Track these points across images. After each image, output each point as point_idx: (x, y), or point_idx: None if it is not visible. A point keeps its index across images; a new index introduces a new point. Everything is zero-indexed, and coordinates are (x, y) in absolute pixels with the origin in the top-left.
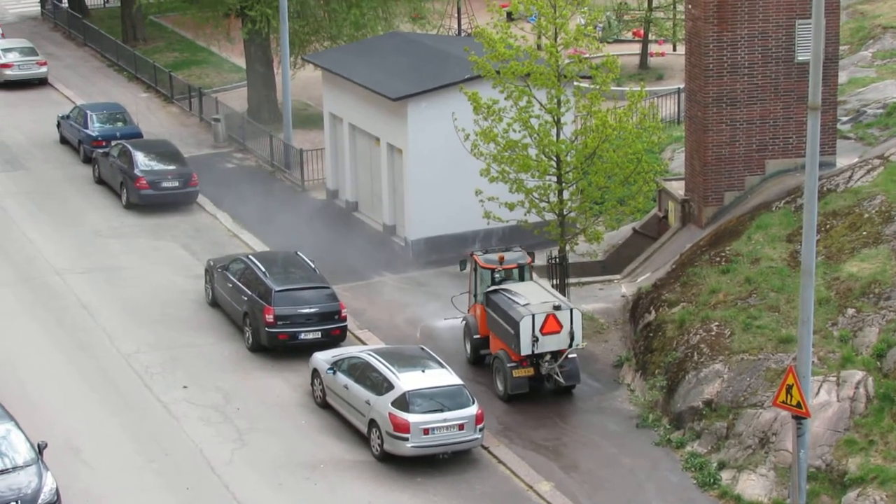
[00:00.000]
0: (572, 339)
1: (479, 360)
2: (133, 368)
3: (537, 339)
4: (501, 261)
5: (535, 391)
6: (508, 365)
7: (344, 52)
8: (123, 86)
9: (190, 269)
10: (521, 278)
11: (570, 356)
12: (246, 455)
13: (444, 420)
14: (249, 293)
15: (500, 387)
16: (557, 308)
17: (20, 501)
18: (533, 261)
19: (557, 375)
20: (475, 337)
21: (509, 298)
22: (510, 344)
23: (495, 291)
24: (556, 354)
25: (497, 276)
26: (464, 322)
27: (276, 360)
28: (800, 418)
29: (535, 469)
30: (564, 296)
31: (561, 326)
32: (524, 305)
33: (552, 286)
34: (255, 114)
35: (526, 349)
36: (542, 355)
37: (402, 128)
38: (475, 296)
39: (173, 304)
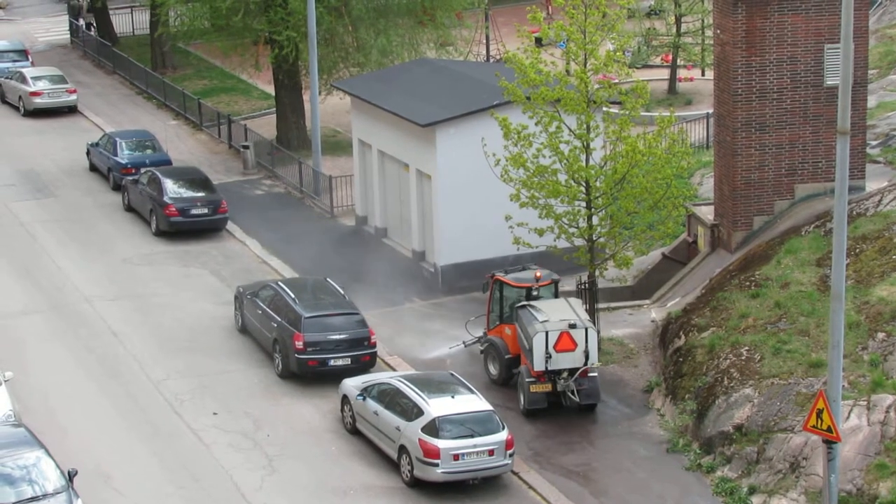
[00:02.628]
0: (587, 357)
1: (508, 380)
2: (163, 395)
3: (550, 356)
4: (538, 278)
5: (559, 412)
6: (527, 380)
7: (372, 78)
8: (152, 113)
9: (219, 296)
10: (556, 294)
11: (590, 374)
12: (276, 482)
13: (475, 446)
14: (279, 320)
15: (522, 401)
16: (572, 326)
17: None
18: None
19: (573, 394)
20: (507, 357)
21: (531, 314)
22: (528, 359)
23: (522, 307)
24: (573, 372)
25: (535, 293)
26: (485, 344)
27: (305, 386)
28: (830, 443)
29: (565, 494)
30: (594, 321)
31: (575, 345)
32: (541, 322)
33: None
34: (283, 141)
35: (539, 365)
36: (559, 372)
37: (431, 154)
38: (499, 317)
39: (203, 331)
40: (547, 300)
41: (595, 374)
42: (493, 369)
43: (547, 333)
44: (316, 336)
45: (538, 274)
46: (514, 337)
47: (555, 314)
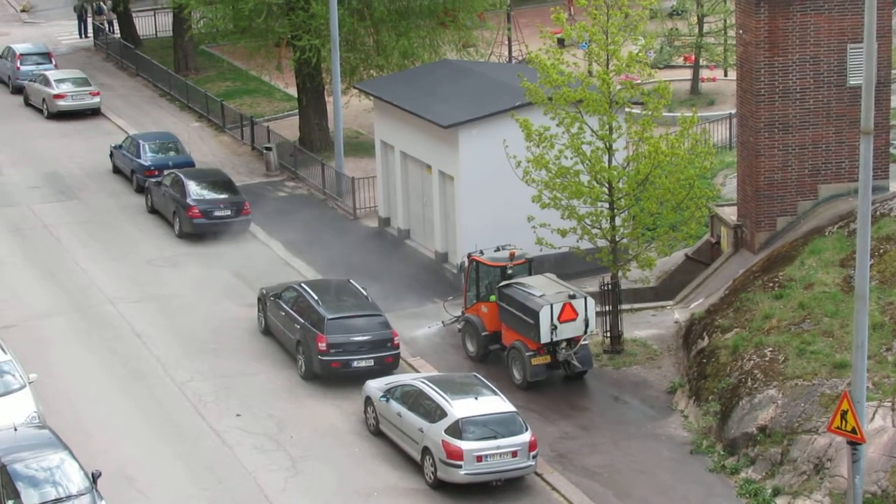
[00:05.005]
0: (587, 325)
1: (485, 357)
2: (186, 397)
3: (555, 328)
4: (513, 257)
5: (580, 412)
6: (527, 354)
7: (394, 80)
8: (175, 115)
9: (242, 298)
10: (530, 273)
11: (583, 343)
12: (300, 483)
13: (498, 447)
14: (302, 321)
15: (517, 376)
16: (573, 297)
17: None
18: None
19: (573, 360)
20: (484, 334)
21: (524, 291)
22: (528, 334)
23: (508, 286)
24: (570, 342)
25: (510, 272)
26: (462, 323)
27: (328, 388)
28: (855, 444)
29: (589, 496)
30: (617, 322)
31: (577, 314)
32: (540, 296)
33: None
34: (306, 142)
35: (545, 337)
36: (558, 343)
37: (454, 155)
38: (476, 296)
39: (226, 333)
40: (529, 277)
41: (587, 342)
42: (471, 346)
43: (552, 306)
44: (339, 337)
45: (512, 253)
46: (491, 315)
47: (546, 288)
